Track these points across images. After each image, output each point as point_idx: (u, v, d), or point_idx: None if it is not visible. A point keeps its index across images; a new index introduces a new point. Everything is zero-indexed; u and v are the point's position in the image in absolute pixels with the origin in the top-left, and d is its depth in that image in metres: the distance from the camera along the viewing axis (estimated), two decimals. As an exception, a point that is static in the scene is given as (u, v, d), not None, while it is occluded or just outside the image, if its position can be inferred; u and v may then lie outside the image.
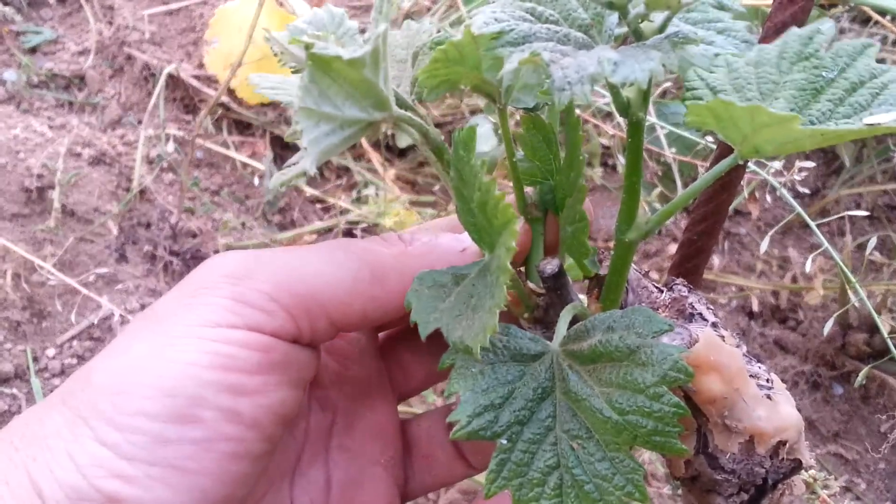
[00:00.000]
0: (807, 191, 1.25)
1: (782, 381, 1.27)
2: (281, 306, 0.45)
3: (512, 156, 0.49)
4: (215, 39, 1.44)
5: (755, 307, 1.35)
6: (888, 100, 0.41)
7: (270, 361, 0.44)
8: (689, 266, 0.77)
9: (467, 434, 0.37)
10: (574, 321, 0.44)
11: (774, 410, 0.49)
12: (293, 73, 0.42)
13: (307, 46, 0.34)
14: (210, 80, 1.48)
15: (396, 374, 0.60)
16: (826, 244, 0.87)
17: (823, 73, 0.43)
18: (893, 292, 1.22)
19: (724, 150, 0.64)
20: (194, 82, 1.47)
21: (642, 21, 0.35)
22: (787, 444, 0.49)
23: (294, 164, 0.36)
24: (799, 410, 1.27)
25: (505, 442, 0.37)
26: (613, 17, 0.38)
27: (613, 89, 0.38)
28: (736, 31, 0.43)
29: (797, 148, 0.39)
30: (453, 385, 0.38)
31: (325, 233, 1.34)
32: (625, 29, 0.38)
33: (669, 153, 1.23)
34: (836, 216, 1.00)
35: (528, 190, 0.53)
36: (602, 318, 0.40)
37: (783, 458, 0.49)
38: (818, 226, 0.92)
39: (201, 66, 1.49)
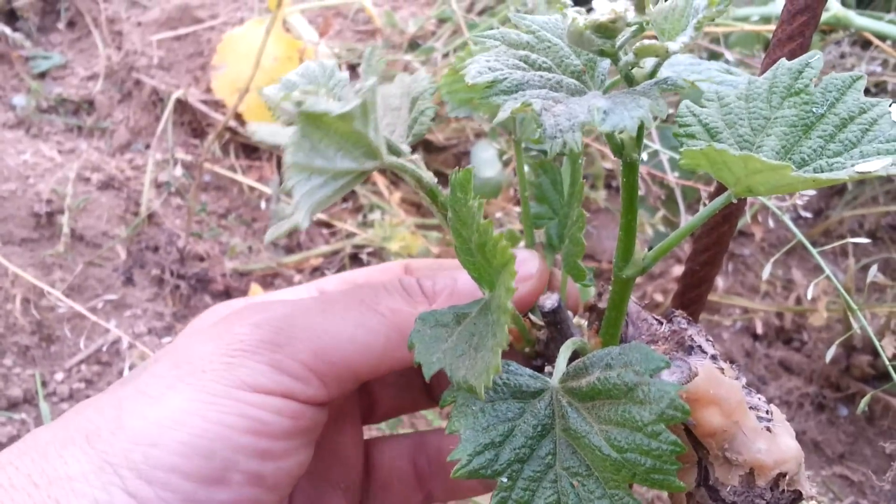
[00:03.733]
0: (809, 215, 1.26)
1: (787, 402, 1.27)
2: (316, 375, 0.46)
3: (524, 189, 0.50)
4: (223, 64, 1.46)
5: (759, 329, 1.35)
6: (878, 136, 0.42)
7: (298, 427, 0.45)
8: (693, 296, 0.78)
9: (468, 473, 0.37)
10: (574, 356, 0.44)
11: (774, 442, 0.50)
12: (286, 125, 0.43)
13: (298, 103, 0.35)
14: (217, 105, 1.49)
15: (363, 401, 0.61)
16: (828, 271, 0.87)
17: (814, 109, 0.43)
18: (897, 314, 1.22)
19: (722, 185, 0.65)
20: (202, 107, 1.49)
21: (633, 68, 0.36)
22: (787, 476, 0.50)
23: (289, 214, 0.37)
24: (804, 432, 1.26)
25: (505, 480, 0.38)
26: (605, 61, 0.39)
27: (608, 132, 0.39)
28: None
29: (790, 189, 0.39)
30: (454, 423, 0.38)
31: (331, 256, 1.35)
32: (617, 73, 0.39)
33: (672, 177, 1.23)
34: (838, 239, 1.01)
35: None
36: (600, 355, 0.40)
37: (783, 490, 0.50)
38: (825, 249, 0.92)
39: (209, 90, 1.50)
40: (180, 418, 0.42)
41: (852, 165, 0.40)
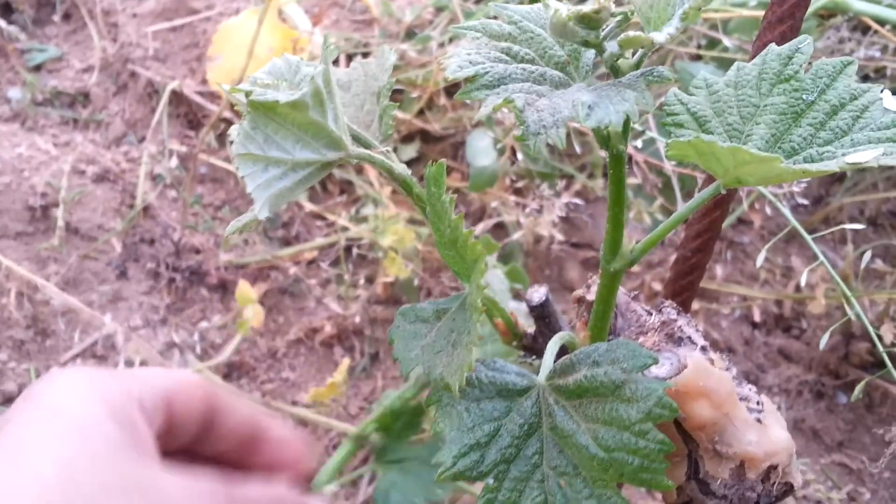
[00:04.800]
0: (807, 202, 1.25)
1: (786, 390, 1.27)
2: None
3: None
4: (218, 55, 1.45)
5: (758, 317, 1.34)
6: (869, 124, 0.41)
7: None
8: (685, 283, 0.77)
9: (452, 476, 0.37)
10: (562, 351, 0.44)
11: (765, 434, 0.49)
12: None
13: (246, 94, 0.34)
14: (213, 96, 1.48)
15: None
16: (823, 259, 0.86)
17: (804, 96, 0.42)
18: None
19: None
20: (197, 98, 1.48)
21: (618, 59, 0.35)
22: (779, 468, 0.49)
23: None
24: (803, 420, 1.25)
25: (491, 482, 0.37)
26: (590, 52, 0.38)
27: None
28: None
29: (780, 180, 0.39)
30: (438, 424, 0.37)
31: (326, 248, 1.34)
32: (602, 62, 0.38)
33: (669, 165, 1.22)
34: (837, 226, 1.00)
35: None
36: (587, 352, 0.40)
37: (774, 482, 0.49)
38: (820, 235, 0.92)
39: (204, 81, 1.49)
40: None
41: (843, 154, 0.40)
